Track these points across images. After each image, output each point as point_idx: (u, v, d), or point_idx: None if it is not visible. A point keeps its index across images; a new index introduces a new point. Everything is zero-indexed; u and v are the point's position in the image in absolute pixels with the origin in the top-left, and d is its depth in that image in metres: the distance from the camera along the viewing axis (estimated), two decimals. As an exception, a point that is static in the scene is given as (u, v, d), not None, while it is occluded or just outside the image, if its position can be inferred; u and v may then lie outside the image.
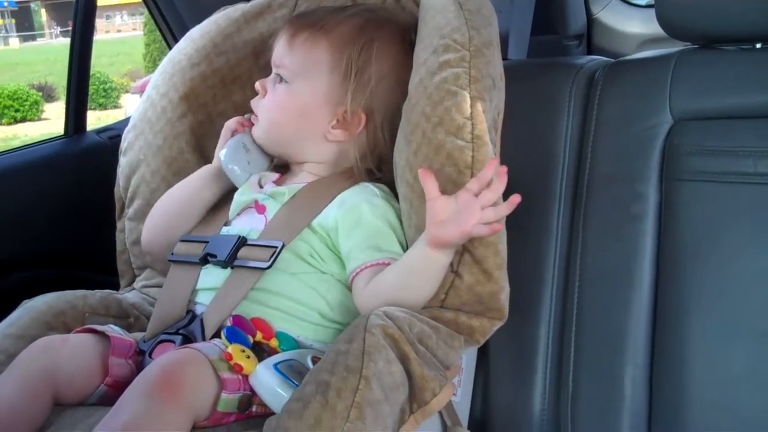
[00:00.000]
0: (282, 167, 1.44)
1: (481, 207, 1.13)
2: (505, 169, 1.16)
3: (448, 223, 1.14)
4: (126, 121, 1.70)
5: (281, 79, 1.37)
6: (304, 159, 1.39)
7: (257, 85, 1.40)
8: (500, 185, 1.15)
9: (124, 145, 1.57)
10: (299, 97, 1.36)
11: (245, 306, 1.24)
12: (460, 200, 1.14)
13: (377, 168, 1.38)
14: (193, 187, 1.42)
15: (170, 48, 1.95)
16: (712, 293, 1.31)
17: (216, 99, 1.54)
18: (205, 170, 1.43)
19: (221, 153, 1.39)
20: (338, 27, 1.36)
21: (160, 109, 1.52)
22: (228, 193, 1.42)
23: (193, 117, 1.52)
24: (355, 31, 1.35)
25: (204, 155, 1.52)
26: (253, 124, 1.41)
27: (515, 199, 1.14)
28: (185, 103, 1.52)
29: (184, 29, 1.76)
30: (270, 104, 1.38)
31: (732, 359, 1.29)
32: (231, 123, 1.43)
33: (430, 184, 1.16)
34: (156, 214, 1.44)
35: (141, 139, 1.53)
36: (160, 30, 2.08)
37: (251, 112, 1.43)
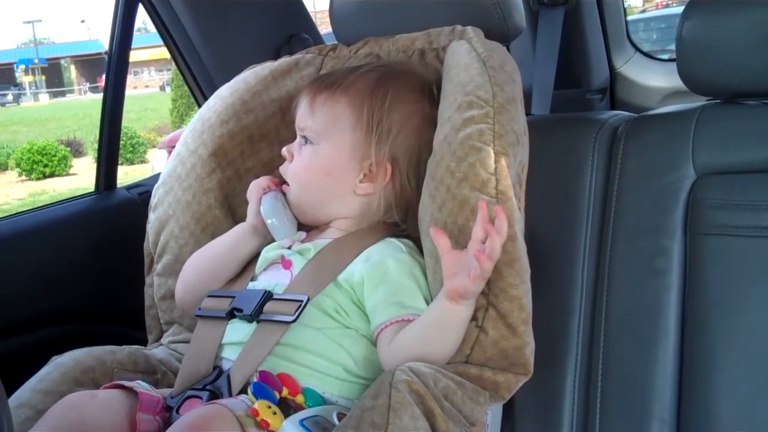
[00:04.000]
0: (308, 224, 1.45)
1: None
2: (500, 207, 1.17)
3: (461, 273, 1.16)
4: (156, 177, 1.73)
5: (306, 141, 1.40)
6: (333, 216, 1.41)
7: (284, 151, 1.43)
8: (503, 223, 1.15)
9: (153, 201, 1.59)
10: (325, 156, 1.38)
11: (271, 361, 1.25)
12: (470, 250, 1.16)
13: (403, 220, 1.39)
14: (228, 245, 1.44)
15: (198, 105, 1.99)
16: (739, 347, 1.30)
17: (244, 156, 1.56)
18: (240, 228, 1.45)
19: (261, 208, 1.41)
20: (355, 84, 1.39)
21: (189, 166, 1.54)
22: (255, 249, 1.43)
23: (221, 173, 1.54)
24: (371, 85, 1.39)
25: (232, 211, 1.54)
26: (282, 183, 1.44)
27: (501, 215, 1.15)
28: (214, 159, 1.54)
29: (213, 87, 1.79)
30: (298, 167, 1.40)
31: (760, 414, 1.28)
32: (262, 181, 1.45)
33: (442, 240, 1.19)
34: (188, 270, 1.45)
35: (170, 195, 1.55)
36: (189, 87, 2.11)
37: (278, 168, 1.45)
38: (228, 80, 1.65)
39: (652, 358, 1.35)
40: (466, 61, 1.39)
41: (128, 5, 1.89)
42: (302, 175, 1.40)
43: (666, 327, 1.35)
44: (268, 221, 1.40)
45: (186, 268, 1.46)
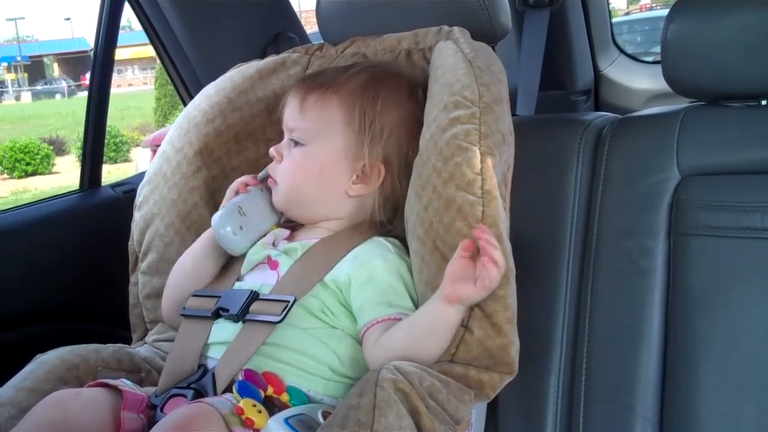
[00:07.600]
0: (293, 222, 1.45)
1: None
2: (481, 227, 1.19)
3: (467, 280, 1.17)
4: (141, 175, 1.72)
5: (296, 143, 1.39)
6: (323, 217, 1.40)
7: (272, 151, 1.41)
8: (490, 238, 1.17)
9: (139, 199, 1.58)
10: (318, 158, 1.37)
11: (256, 360, 1.25)
12: (481, 264, 1.16)
13: (389, 220, 1.39)
14: (197, 256, 1.42)
15: (184, 104, 1.99)
16: (721, 347, 1.31)
17: (230, 154, 1.56)
18: (206, 236, 1.43)
19: (212, 218, 1.40)
20: (347, 84, 1.38)
21: (175, 164, 1.54)
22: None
23: (207, 172, 1.54)
24: (363, 86, 1.38)
25: (217, 209, 1.53)
26: (257, 182, 1.43)
27: (483, 233, 1.17)
28: (200, 158, 1.53)
29: (199, 85, 1.79)
30: (289, 168, 1.39)
31: (742, 413, 1.29)
32: (235, 185, 1.44)
33: (470, 244, 1.20)
34: (170, 286, 1.44)
35: (156, 194, 1.54)
36: (175, 86, 2.10)
37: (264, 167, 1.45)
38: (214, 79, 1.65)
39: (636, 357, 1.36)
40: (453, 61, 1.39)
41: (114, 3, 1.88)
42: (294, 177, 1.38)
43: (649, 326, 1.36)
44: (219, 231, 1.37)
45: (167, 285, 1.44)
